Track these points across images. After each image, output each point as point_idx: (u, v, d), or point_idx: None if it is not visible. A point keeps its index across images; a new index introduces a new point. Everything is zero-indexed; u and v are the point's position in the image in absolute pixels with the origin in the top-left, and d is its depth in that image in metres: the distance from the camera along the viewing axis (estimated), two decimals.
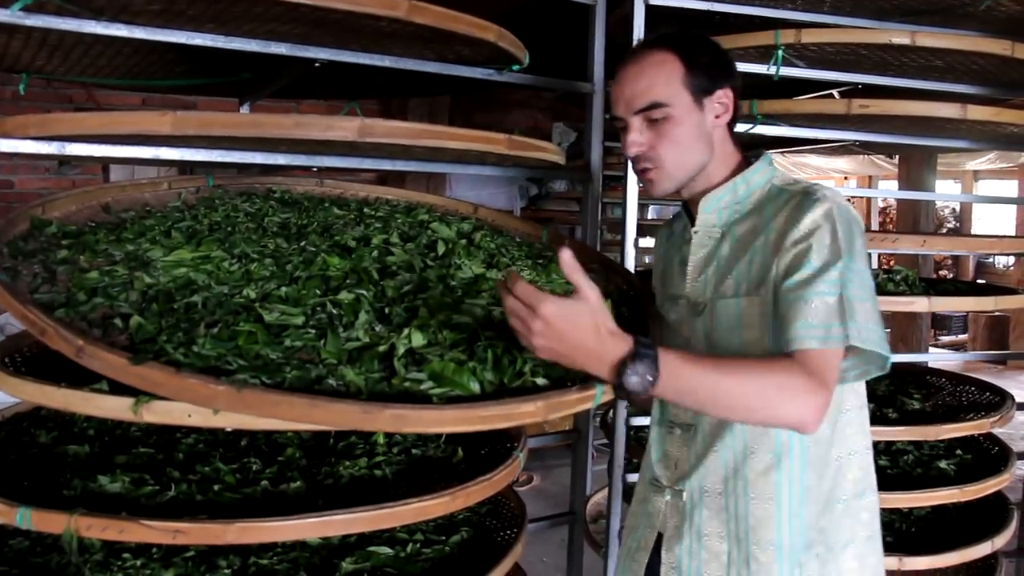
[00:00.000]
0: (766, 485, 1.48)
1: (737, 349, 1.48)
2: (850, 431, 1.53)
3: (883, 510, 2.57)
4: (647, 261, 4.51)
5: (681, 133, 1.51)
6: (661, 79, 1.50)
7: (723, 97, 1.54)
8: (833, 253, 1.38)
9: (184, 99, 5.11)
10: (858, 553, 1.53)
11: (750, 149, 1.62)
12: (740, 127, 2.15)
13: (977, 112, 2.37)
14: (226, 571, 1.60)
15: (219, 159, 1.82)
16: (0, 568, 1.61)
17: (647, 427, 2.77)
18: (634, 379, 1.22)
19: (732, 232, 1.55)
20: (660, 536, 1.62)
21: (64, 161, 5.27)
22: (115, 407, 1.26)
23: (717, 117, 1.54)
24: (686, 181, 1.56)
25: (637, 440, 2.78)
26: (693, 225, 1.61)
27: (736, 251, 1.53)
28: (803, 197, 1.46)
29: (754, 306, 1.46)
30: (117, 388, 1.25)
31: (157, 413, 1.25)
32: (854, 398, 1.54)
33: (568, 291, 1.21)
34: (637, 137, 1.53)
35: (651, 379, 1.22)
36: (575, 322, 1.19)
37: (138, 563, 1.58)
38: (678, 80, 1.50)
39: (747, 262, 1.49)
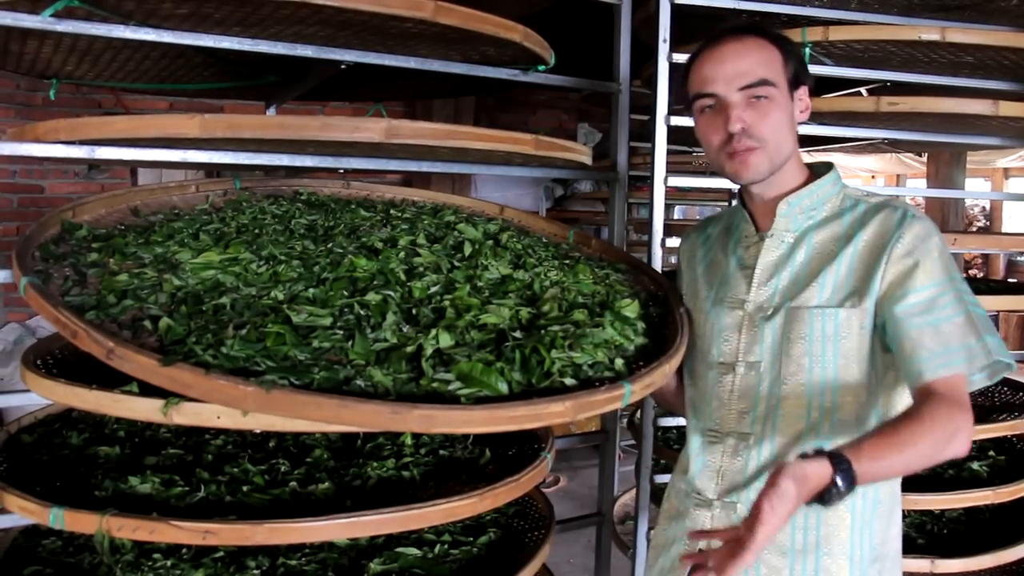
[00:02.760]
0: None
1: (831, 358, 1.45)
2: None
3: (915, 512, 2.57)
4: (672, 261, 4.48)
5: (781, 117, 1.50)
6: (767, 60, 1.49)
7: (804, 95, 1.55)
8: (943, 270, 1.40)
9: (211, 103, 5.14)
10: (892, 565, 1.52)
11: None
12: None
13: (1009, 108, 2.33)
14: (255, 572, 1.61)
15: (246, 161, 1.83)
16: (34, 567, 1.63)
17: (674, 428, 2.77)
18: (837, 496, 1.23)
19: (808, 239, 1.53)
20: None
21: (93, 165, 5.33)
22: (145, 409, 1.27)
23: (800, 112, 1.54)
24: (776, 170, 1.53)
25: (664, 440, 2.76)
26: (758, 230, 1.59)
27: (816, 259, 1.50)
28: (891, 211, 1.47)
29: (853, 317, 1.44)
30: (147, 390, 1.26)
31: (187, 415, 1.25)
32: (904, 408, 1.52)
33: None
34: (742, 113, 1.48)
35: (851, 486, 1.23)
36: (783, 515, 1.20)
37: (168, 563, 1.60)
38: (779, 65, 1.50)
39: (835, 272, 1.47)
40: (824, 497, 1.23)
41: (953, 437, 1.31)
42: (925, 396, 1.34)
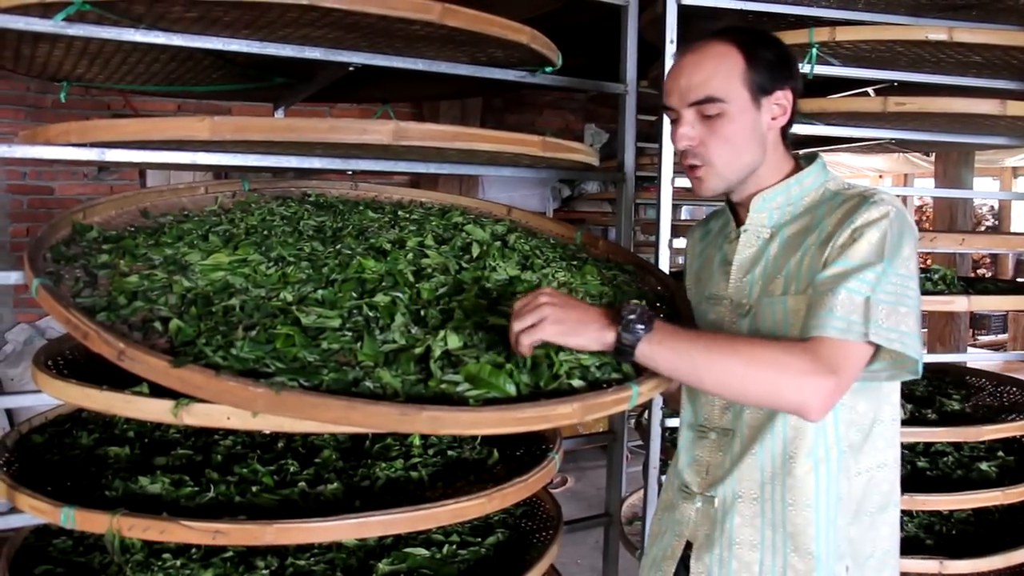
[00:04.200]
0: (804, 491, 1.45)
1: None
2: (881, 443, 1.50)
3: (923, 512, 2.56)
4: (680, 262, 4.49)
5: (734, 131, 1.46)
6: (720, 73, 1.45)
7: (782, 99, 1.49)
8: (876, 254, 1.36)
9: (219, 105, 5.17)
10: (877, 566, 1.51)
11: (793, 148, 1.60)
12: None
13: (1017, 108, 2.33)
14: (264, 572, 1.62)
15: (255, 163, 1.84)
16: (45, 567, 1.64)
17: None
18: (631, 322, 1.28)
19: (782, 233, 1.52)
20: (688, 545, 1.58)
21: (103, 167, 5.35)
22: (156, 410, 1.28)
23: (773, 119, 1.50)
24: (736, 183, 1.52)
25: (672, 441, 2.76)
26: (739, 225, 1.58)
27: (785, 251, 1.49)
28: (861, 199, 1.43)
29: (801, 304, 1.42)
30: (157, 391, 1.27)
31: (197, 415, 1.26)
32: (889, 409, 1.51)
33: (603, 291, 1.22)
34: (688, 131, 1.47)
35: (643, 328, 1.29)
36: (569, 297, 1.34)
37: (178, 563, 1.61)
38: (738, 76, 1.45)
39: (797, 261, 1.46)
40: (619, 324, 1.29)
41: (790, 378, 1.30)
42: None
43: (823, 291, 1.37)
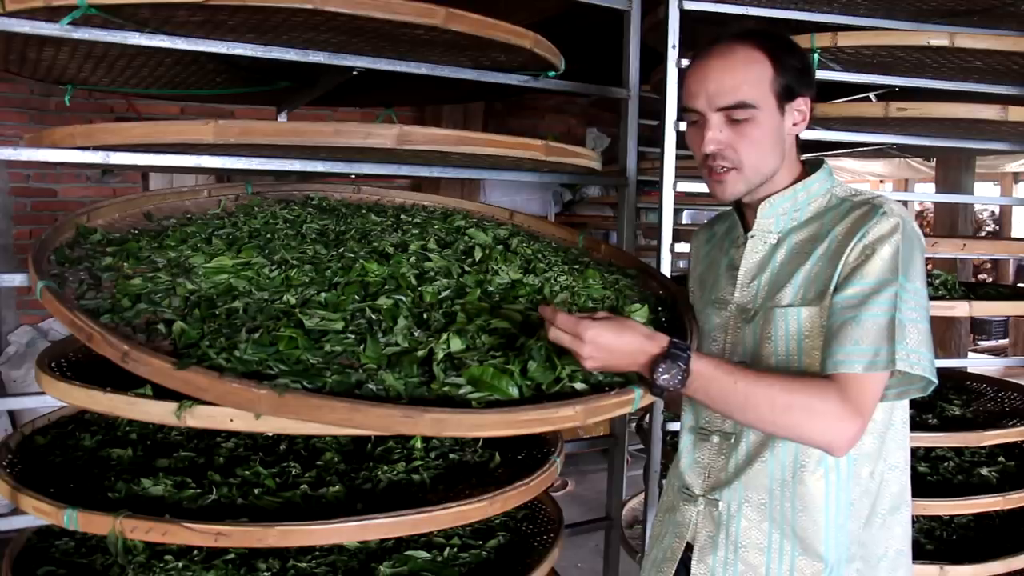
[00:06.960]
0: (815, 498, 1.46)
1: (795, 358, 1.46)
2: (893, 446, 1.52)
3: (923, 517, 2.56)
4: (681, 266, 4.49)
5: (762, 136, 1.47)
6: (751, 78, 1.46)
7: (802, 105, 1.51)
8: (891, 271, 1.37)
9: (222, 108, 5.18)
10: (890, 567, 1.52)
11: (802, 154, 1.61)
12: None
13: (1018, 113, 2.33)
14: (265, 574, 1.62)
15: (260, 167, 1.85)
16: (47, 568, 1.64)
17: None
18: (664, 378, 1.31)
19: (789, 240, 1.53)
20: (688, 546, 1.59)
21: (107, 170, 5.36)
22: (159, 412, 1.29)
23: (794, 124, 1.52)
24: (755, 187, 1.52)
25: (673, 445, 2.76)
26: (747, 230, 1.59)
27: (793, 259, 1.50)
28: (870, 209, 1.44)
29: (815, 316, 1.44)
30: (160, 393, 1.28)
31: (200, 418, 1.27)
32: (900, 413, 1.52)
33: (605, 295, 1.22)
34: (717, 134, 1.47)
35: (680, 379, 1.30)
36: (616, 335, 1.30)
37: (180, 565, 1.61)
38: (767, 82, 1.46)
39: (807, 271, 1.47)
40: (651, 374, 1.31)
41: (818, 422, 1.33)
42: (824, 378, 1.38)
43: (845, 319, 1.38)
